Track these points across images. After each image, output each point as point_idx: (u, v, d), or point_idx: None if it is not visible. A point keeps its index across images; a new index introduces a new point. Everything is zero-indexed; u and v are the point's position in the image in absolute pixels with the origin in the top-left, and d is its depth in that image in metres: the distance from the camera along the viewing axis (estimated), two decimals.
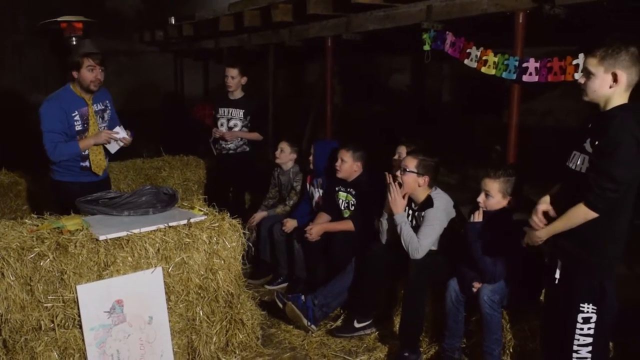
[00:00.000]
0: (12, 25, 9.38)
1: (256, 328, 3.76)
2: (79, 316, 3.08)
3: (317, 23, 5.94)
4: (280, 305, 4.08)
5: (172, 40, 9.64)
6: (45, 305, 3.01)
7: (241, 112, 5.49)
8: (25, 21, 9.37)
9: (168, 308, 3.34)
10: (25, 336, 3.01)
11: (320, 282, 4.28)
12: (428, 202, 3.81)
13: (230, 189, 5.77)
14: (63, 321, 3.07)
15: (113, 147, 4.17)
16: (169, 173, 6.37)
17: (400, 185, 3.85)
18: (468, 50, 4.24)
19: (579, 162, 2.60)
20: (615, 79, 2.49)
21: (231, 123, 5.51)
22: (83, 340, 3.10)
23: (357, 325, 4.00)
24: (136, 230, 3.22)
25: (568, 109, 5.90)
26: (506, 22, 3.96)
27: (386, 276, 4.00)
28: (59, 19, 8.55)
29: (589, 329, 2.61)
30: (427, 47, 4.63)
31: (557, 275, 2.72)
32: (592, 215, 2.50)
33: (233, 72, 5.43)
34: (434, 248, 3.79)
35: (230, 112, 5.51)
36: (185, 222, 3.38)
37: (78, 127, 4.01)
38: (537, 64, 3.80)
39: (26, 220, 3.30)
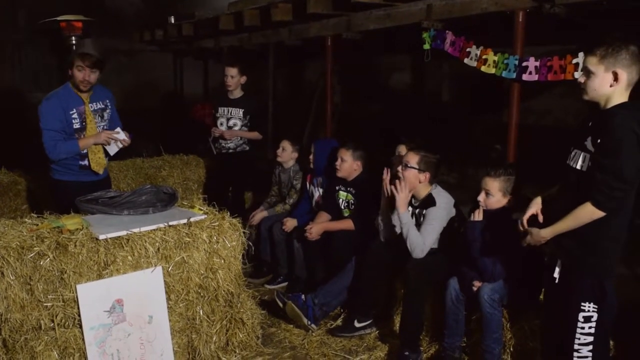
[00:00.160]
0: (12, 24, 9.38)
1: (256, 327, 3.76)
2: (79, 315, 3.07)
3: (317, 22, 5.94)
4: (281, 305, 4.08)
5: (172, 40, 9.64)
6: (45, 304, 3.01)
7: (240, 112, 5.49)
8: (25, 20, 9.37)
9: (168, 307, 3.34)
10: (25, 335, 3.01)
11: (320, 282, 4.29)
12: (430, 200, 3.80)
13: (230, 188, 5.77)
14: (63, 320, 3.07)
15: (112, 149, 4.16)
16: (169, 172, 6.37)
17: (400, 181, 3.84)
18: (468, 49, 4.25)
19: (580, 161, 2.59)
20: (615, 77, 2.49)
21: (230, 122, 5.51)
22: (83, 339, 3.10)
23: (357, 324, 4.00)
24: (136, 230, 3.22)
25: (568, 108, 5.90)
26: (506, 21, 3.97)
27: (385, 274, 4.00)
28: (58, 18, 8.56)
29: (590, 327, 2.61)
30: (427, 46, 4.63)
31: (557, 275, 2.72)
32: (599, 214, 2.49)
33: (232, 72, 5.43)
34: (434, 247, 3.79)
35: (229, 111, 5.51)
36: (185, 221, 3.38)
37: (76, 125, 4.01)
38: (537, 63, 3.80)
39: (26, 220, 3.30)
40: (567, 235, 2.64)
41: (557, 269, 2.72)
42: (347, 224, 4.47)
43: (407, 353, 3.59)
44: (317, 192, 4.91)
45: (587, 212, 2.51)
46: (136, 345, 3.26)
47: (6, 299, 2.93)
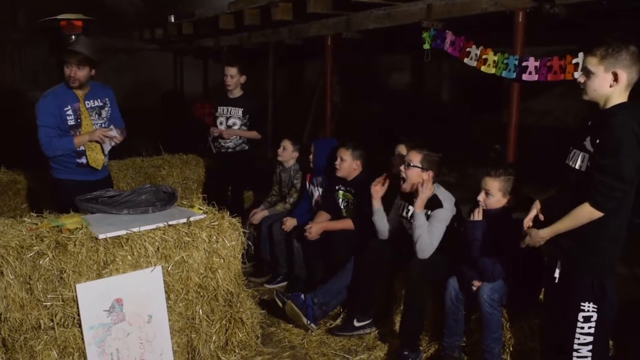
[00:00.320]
0: (12, 23, 9.38)
1: (256, 327, 3.76)
2: (79, 315, 3.07)
3: (317, 22, 5.94)
4: (280, 304, 4.08)
5: (172, 39, 9.64)
6: (44, 304, 3.01)
7: (240, 111, 5.49)
8: (25, 19, 9.37)
9: (167, 307, 3.34)
10: (24, 335, 3.00)
11: (320, 281, 4.29)
12: (436, 201, 3.78)
13: (229, 187, 5.77)
14: (62, 320, 3.07)
15: (106, 147, 4.15)
16: (169, 172, 6.36)
17: (403, 180, 3.84)
18: (468, 49, 4.25)
19: (579, 160, 2.59)
20: (615, 78, 2.49)
21: (230, 122, 5.50)
22: (82, 339, 3.10)
23: (356, 324, 4.01)
24: (136, 229, 3.22)
25: (567, 108, 5.90)
26: (506, 21, 3.96)
27: (385, 273, 4.00)
28: (58, 17, 8.55)
29: (589, 327, 2.61)
30: (427, 46, 4.63)
31: (557, 275, 2.72)
32: (598, 215, 2.49)
33: (232, 71, 5.43)
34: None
35: (229, 110, 5.51)
36: (184, 220, 3.38)
37: (71, 122, 4.02)
38: (537, 63, 3.80)
39: (25, 219, 3.30)
40: (566, 235, 2.64)
41: (557, 270, 2.72)
42: (347, 224, 4.47)
43: (406, 353, 3.59)
44: (317, 192, 4.91)
45: (586, 213, 2.51)
46: (135, 344, 3.26)
47: (5, 298, 2.93)
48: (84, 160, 4.11)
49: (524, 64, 3.85)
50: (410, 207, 3.85)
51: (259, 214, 5.17)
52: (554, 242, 2.71)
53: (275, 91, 7.77)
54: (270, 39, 7.10)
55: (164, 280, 3.30)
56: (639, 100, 2.57)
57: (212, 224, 3.45)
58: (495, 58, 4.05)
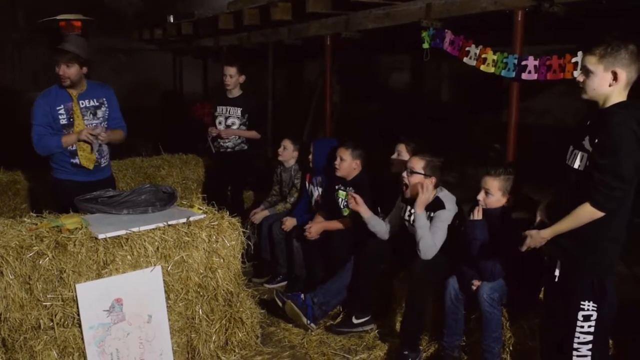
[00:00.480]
0: (12, 24, 9.39)
1: (255, 326, 3.76)
2: (78, 315, 3.07)
3: (316, 21, 5.94)
4: (280, 304, 4.08)
5: (171, 39, 9.64)
6: (44, 304, 3.01)
7: (239, 110, 5.49)
8: (25, 20, 9.38)
9: (167, 307, 3.34)
10: (24, 335, 3.00)
11: (320, 281, 4.29)
12: (438, 203, 3.77)
13: (229, 187, 5.77)
14: (62, 320, 3.07)
15: (95, 147, 4.11)
16: (168, 172, 6.36)
17: (406, 186, 3.83)
18: (467, 49, 4.24)
19: (577, 160, 2.59)
20: (615, 77, 2.49)
21: (229, 121, 5.50)
22: (82, 339, 3.10)
23: (355, 321, 4.01)
24: (135, 229, 3.22)
25: (567, 107, 5.91)
26: (505, 20, 3.96)
27: (383, 272, 4.00)
28: (58, 18, 8.56)
29: (589, 326, 2.61)
30: (426, 45, 4.63)
31: (557, 274, 2.72)
32: (599, 215, 2.49)
33: (231, 71, 5.43)
34: None
35: (228, 110, 5.51)
36: (184, 220, 3.38)
37: (63, 121, 4.02)
38: (536, 62, 3.80)
39: (25, 219, 3.30)
40: (566, 235, 2.64)
41: (557, 269, 2.72)
42: (346, 224, 4.47)
43: (406, 352, 3.59)
44: (317, 192, 4.92)
45: (587, 213, 2.51)
46: (135, 344, 3.26)
47: (5, 298, 2.93)
48: (77, 160, 4.10)
49: (524, 63, 3.85)
50: (412, 210, 3.84)
51: (260, 214, 5.18)
52: (554, 242, 2.71)
53: (274, 91, 7.78)
54: (269, 38, 7.11)
55: (163, 280, 3.30)
56: (638, 99, 2.57)
57: (212, 223, 3.45)
58: (495, 57, 4.04)
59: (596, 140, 2.50)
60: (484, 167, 3.49)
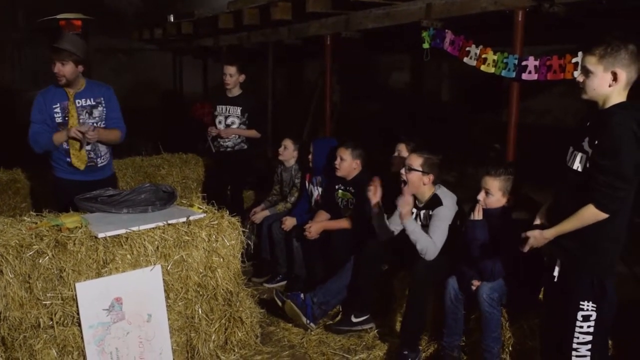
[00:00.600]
0: (12, 23, 9.39)
1: (255, 326, 3.76)
2: (78, 314, 3.07)
3: (316, 21, 5.94)
4: (280, 303, 4.08)
5: (171, 38, 9.64)
6: (44, 302, 3.01)
7: (238, 110, 5.49)
8: (25, 19, 9.38)
9: (167, 306, 3.34)
10: (24, 334, 3.00)
11: (319, 280, 4.29)
12: (435, 201, 3.78)
13: (228, 186, 5.77)
14: (62, 319, 3.07)
15: (83, 144, 4.05)
16: (168, 171, 6.37)
17: (404, 183, 3.83)
18: (467, 49, 4.25)
19: (577, 161, 2.59)
20: (614, 77, 2.49)
21: (229, 120, 5.51)
22: (82, 338, 3.10)
23: (354, 319, 4.01)
24: (135, 228, 3.21)
25: (567, 108, 5.91)
26: (505, 20, 3.97)
27: (382, 272, 4.00)
28: (58, 17, 8.56)
29: (588, 327, 2.61)
30: (426, 45, 4.63)
31: (556, 274, 2.72)
32: (603, 216, 2.49)
33: (231, 70, 5.43)
34: None
35: (227, 109, 5.52)
36: (184, 219, 3.38)
37: (58, 120, 4.01)
38: (537, 62, 3.80)
39: (25, 218, 3.29)
40: (566, 235, 2.63)
41: (556, 269, 2.72)
42: (346, 223, 4.47)
43: (406, 352, 3.59)
44: (316, 191, 4.92)
45: (591, 215, 2.51)
46: (135, 343, 3.26)
47: (5, 297, 2.93)
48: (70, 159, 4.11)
49: (524, 63, 3.85)
50: (413, 210, 3.85)
51: (260, 214, 5.18)
52: (554, 242, 2.70)
53: (274, 91, 7.78)
54: (269, 38, 7.11)
55: (163, 279, 3.30)
56: (638, 99, 2.57)
57: (212, 223, 3.45)
58: (495, 57, 4.05)
59: (596, 142, 2.49)
60: (484, 167, 3.49)
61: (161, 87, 10.82)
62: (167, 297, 3.34)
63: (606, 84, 2.51)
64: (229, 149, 5.54)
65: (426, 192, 3.84)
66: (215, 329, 3.54)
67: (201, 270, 3.42)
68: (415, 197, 3.88)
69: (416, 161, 3.80)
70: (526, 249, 2.78)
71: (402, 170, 3.86)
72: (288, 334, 4.03)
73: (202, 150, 6.52)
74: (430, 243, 3.63)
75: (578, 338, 2.62)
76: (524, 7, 3.81)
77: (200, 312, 3.47)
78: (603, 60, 2.49)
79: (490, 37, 4.28)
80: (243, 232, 3.59)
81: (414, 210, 3.86)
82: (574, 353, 2.64)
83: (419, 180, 3.79)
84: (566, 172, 2.66)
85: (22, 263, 2.94)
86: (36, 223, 3.21)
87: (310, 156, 4.94)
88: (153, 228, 3.27)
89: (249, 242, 3.76)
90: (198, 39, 9.09)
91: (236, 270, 3.58)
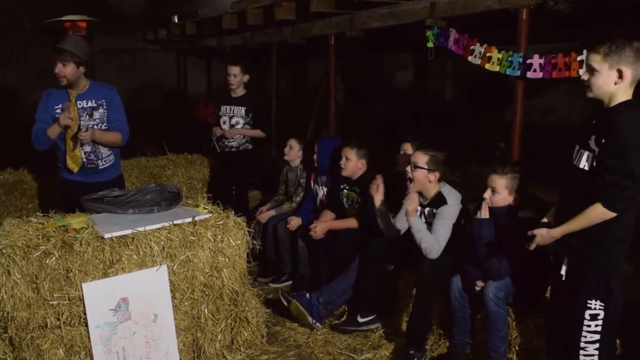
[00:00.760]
0: (17, 24, 9.42)
1: (261, 326, 3.77)
2: (85, 314, 3.09)
3: (320, 21, 5.94)
4: (285, 303, 4.08)
5: (175, 39, 9.64)
6: (51, 303, 3.03)
7: (243, 110, 5.50)
8: (30, 20, 9.40)
9: (173, 306, 3.35)
10: (31, 334, 3.02)
11: (325, 280, 4.29)
12: (440, 199, 3.78)
13: (233, 187, 5.78)
14: (69, 319, 3.08)
15: (85, 147, 4.05)
16: (174, 171, 6.38)
17: (410, 181, 3.83)
18: (472, 47, 4.23)
19: (583, 160, 2.58)
20: (620, 75, 2.48)
21: (233, 120, 5.51)
22: (89, 337, 3.11)
23: (360, 319, 4.01)
24: (141, 228, 3.23)
25: (572, 106, 5.89)
26: (510, 19, 3.95)
27: (388, 271, 4.00)
28: (62, 18, 8.58)
29: (596, 325, 2.60)
30: (430, 44, 4.62)
31: (563, 272, 2.71)
32: (611, 215, 2.48)
33: (235, 70, 5.44)
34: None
35: (232, 109, 5.53)
36: (190, 220, 3.39)
37: None
38: (542, 61, 3.79)
39: (32, 219, 3.31)
40: (573, 234, 2.63)
41: (563, 267, 2.71)
42: (351, 223, 4.47)
43: (412, 352, 3.59)
44: (321, 191, 4.92)
45: (598, 213, 2.50)
46: (141, 343, 3.27)
47: (12, 297, 2.95)
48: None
49: (529, 61, 3.84)
50: (418, 207, 3.84)
51: (266, 213, 5.19)
52: (561, 240, 2.70)
53: (278, 91, 7.78)
54: (273, 38, 7.11)
55: (169, 279, 3.31)
56: None
57: (217, 223, 3.46)
58: (500, 56, 4.03)
59: (603, 140, 2.49)
60: (490, 165, 3.48)
61: (165, 87, 10.83)
62: (173, 297, 3.35)
63: (612, 81, 2.51)
64: (233, 149, 5.55)
65: (431, 189, 3.84)
66: (222, 329, 3.55)
67: (207, 270, 3.43)
68: (420, 194, 3.88)
69: (422, 159, 3.80)
70: (532, 246, 2.77)
71: (408, 168, 3.86)
72: (294, 334, 4.04)
73: (207, 151, 6.53)
74: (434, 242, 3.63)
75: (586, 337, 2.61)
76: (529, 5, 3.79)
77: (206, 312, 3.48)
78: (608, 58, 2.49)
79: (495, 35, 4.27)
80: (248, 232, 3.60)
81: (419, 207, 3.86)
82: (581, 352, 2.63)
83: (424, 178, 3.79)
84: (572, 171, 2.65)
85: (29, 264, 2.96)
86: (43, 224, 3.22)
87: (315, 156, 4.95)
88: (159, 228, 3.29)
89: (255, 242, 3.77)
90: (202, 39, 9.09)
91: (242, 270, 3.59)
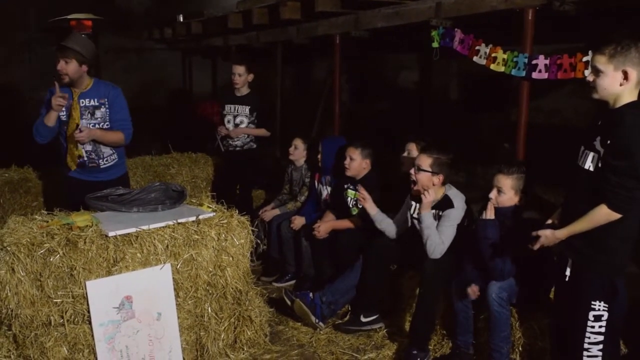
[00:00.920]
0: (23, 23, 9.45)
1: (264, 325, 3.77)
2: (89, 312, 3.10)
3: (326, 20, 5.94)
4: (289, 303, 4.09)
5: (181, 38, 9.67)
6: (55, 300, 3.04)
7: (247, 109, 5.51)
8: (36, 19, 9.44)
9: (177, 304, 3.36)
10: (35, 331, 3.03)
11: (328, 280, 4.29)
12: (447, 202, 3.76)
13: (237, 186, 5.79)
14: (72, 317, 3.09)
15: (84, 146, 4.06)
16: (178, 170, 6.40)
17: (414, 183, 3.83)
18: (477, 48, 4.22)
19: (588, 161, 2.58)
20: (625, 76, 2.48)
21: (237, 120, 5.52)
22: (92, 335, 3.12)
23: (363, 319, 4.01)
24: (145, 227, 3.23)
25: (576, 107, 5.87)
26: (515, 19, 3.94)
27: (390, 271, 4.00)
28: (68, 17, 8.61)
29: (600, 326, 2.60)
30: (435, 45, 4.61)
31: (567, 273, 2.70)
32: (616, 216, 2.48)
33: (240, 70, 5.45)
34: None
35: (236, 108, 5.53)
36: (193, 218, 3.39)
37: (63, 118, 4.02)
38: (547, 61, 3.77)
39: (36, 217, 3.32)
40: (577, 235, 2.62)
41: (567, 268, 2.70)
42: (355, 223, 4.47)
43: (415, 352, 3.58)
44: (325, 191, 4.92)
45: (603, 215, 2.50)
46: (145, 341, 3.28)
47: (17, 295, 2.96)
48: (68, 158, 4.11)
49: (534, 62, 3.82)
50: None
51: (270, 212, 5.19)
52: (565, 241, 2.69)
53: (283, 90, 7.78)
54: (278, 38, 7.11)
55: (173, 278, 3.31)
56: None
57: (221, 222, 3.46)
58: (505, 56, 4.02)
59: (608, 142, 2.48)
60: (496, 165, 3.48)
61: (171, 86, 10.86)
62: (177, 296, 3.36)
63: (617, 83, 2.50)
64: (237, 149, 5.56)
65: (437, 192, 3.83)
66: (225, 328, 3.56)
67: (211, 269, 3.43)
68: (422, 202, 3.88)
69: (425, 161, 3.79)
70: (536, 247, 2.77)
71: (412, 171, 3.86)
72: (297, 333, 4.04)
73: (212, 150, 6.54)
74: (439, 241, 3.63)
75: (589, 338, 2.61)
76: (534, 5, 3.78)
77: (209, 310, 3.49)
78: (613, 59, 2.48)
79: (500, 36, 4.26)
80: (252, 231, 3.60)
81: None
82: (585, 353, 2.62)
83: (428, 181, 3.78)
84: (577, 172, 2.64)
85: (33, 261, 2.97)
86: (47, 222, 3.23)
87: (319, 155, 4.95)
88: (163, 227, 3.29)
89: (259, 241, 3.77)
90: (207, 38, 9.10)
91: (245, 269, 3.59)
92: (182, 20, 9.00)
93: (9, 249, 2.96)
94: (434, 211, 3.83)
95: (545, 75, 3.80)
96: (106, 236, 3.13)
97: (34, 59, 9.32)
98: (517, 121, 4.02)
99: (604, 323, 2.59)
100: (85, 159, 4.07)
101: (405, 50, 7.78)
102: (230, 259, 3.49)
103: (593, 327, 2.60)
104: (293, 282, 4.90)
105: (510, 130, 4.17)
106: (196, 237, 3.35)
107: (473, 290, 3.33)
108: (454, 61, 7.09)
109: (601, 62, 2.51)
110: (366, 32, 5.59)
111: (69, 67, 3.95)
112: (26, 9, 9.42)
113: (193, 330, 3.48)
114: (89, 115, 4.04)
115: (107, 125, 4.08)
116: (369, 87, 8.43)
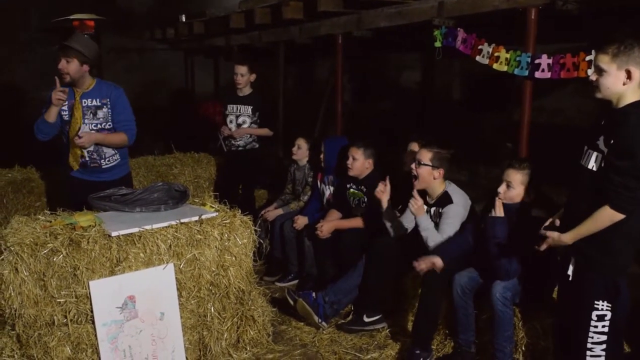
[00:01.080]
0: (25, 23, 9.46)
1: (267, 325, 3.78)
2: (92, 312, 3.10)
3: (328, 20, 5.94)
4: (291, 302, 4.09)
5: (183, 38, 9.66)
6: (58, 300, 3.04)
7: (249, 109, 5.51)
8: (38, 19, 9.45)
9: (179, 304, 3.36)
10: (38, 331, 3.04)
11: (331, 279, 4.29)
12: (446, 198, 3.78)
13: (240, 185, 5.79)
14: (76, 316, 3.10)
15: (87, 148, 4.06)
16: (180, 170, 6.40)
17: (415, 178, 3.84)
18: (480, 47, 4.22)
19: (592, 160, 2.57)
20: (628, 75, 2.47)
21: (240, 120, 5.53)
22: (95, 335, 3.13)
23: (366, 319, 4.01)
24: (148, 227, 3.24)
25: (579, 107, 5.86)
26: (518, 18, 3.94)
27: (393, 270, 4.00)
28: (71, 17, 8.61)
29: (603, 326, 2.59)
30: (438, 44, 4.61)
31: (570, 273, 2.70)
32: (619, 217, 2.47)
33: (242, 70, 5.45)
34: None
35: (238, 108, 5.54)
36: (196, 218, 3.40)
37: (65, 117, 4.03)
38: (550, 60, 3.77)
39: (39, 217, 3.33)
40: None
41: (570, 267, 2.70)
42: (358, 222, 4.47)
43: (418, 352, 3.58)
44: (328, 190, 4.92)
45: (607, 216, 2.49)
46: (148, 341, 3.28)
47: (20, 294, 2.97)
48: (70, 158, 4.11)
49: (537, 61, 3.82)
50: (424, 206, 3.84)
51: (273, 212, 5.19)
52: None
53: (285, 90, 7.78)
54: (280, 37, 7.11)
55: (176, 277, 3.32)
56: None
57: (224, 222, 3.47)
58: (508, 56, 4.02)
59: (611, 142, 2.48)
60: (495, 166, 3.48)
61: (173, 86, 10.86)
62: (180, 296, 3.36)
63: (620, 82, 2.50)
64: (240, 148, 5.56)
65: (437, 187, 3.85)
66: (228, 327, 3.56)
67: (213, 269, 3.44)
68: (426, 193, 3.89)
69: (426, 156, 3.82)
70: (543, 247, 2.76)
71: (413, 165, 3.88)
72: (300, 333, 4.04)
73: (214, 150, 6.54)
74: (441, 240, 3.63)
75: (593, 338, 2.61)
76: (537, 4, 3.78)
77: (212, 310, 3.49)
78: (616, 58, 2.48)
79: (502, 35, 4.25)
80: (255, 231, 3.60)
81: (425, 207, 3.86)
82: (588, 353, 2.62)
83: (429, 175, 3.80)
84: (580, 171, 2.64)
85: (36, 261, 2.97)
86: (50, 222, 3.24)
87: (321, 155, 4.95)
88: (166, 227, 3.30)
89: (261, 241, 3.78)
90: (209, 38, 9.10)
91: (248, 269, 3.60)
92: (184, 20, 9.00)
93: (12, 249, 2.96)
94: (433, 209, 3.85)
95: (548, 75, 3.80)
96: (109, 236, 3.13)
97: (35, 59, 9.33)
98: (520, 121, 4.02)
99: (607, 323, 2.59)
100: (87, 159, 4.07)
101: (407, 50, 7.77)
102: (233, 258, 3.49)
103: (596, 327, 2.60)
104: (296, 281, 4.90)
105: (513, 130, 4.17)
106: (199, 237, 3.36)
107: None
108: (457, 61, 7.07)
109: (604, 61, 2.51)
110: (368, 31, 5.59)
111: (70, 67, 3.95)
112: (27, 8, 9.43)
113: (196, 329, 3.48)
114: (91, 115, 4.03)
115: (109, 125, 4.08)
116: (371, 86, 8.42)
